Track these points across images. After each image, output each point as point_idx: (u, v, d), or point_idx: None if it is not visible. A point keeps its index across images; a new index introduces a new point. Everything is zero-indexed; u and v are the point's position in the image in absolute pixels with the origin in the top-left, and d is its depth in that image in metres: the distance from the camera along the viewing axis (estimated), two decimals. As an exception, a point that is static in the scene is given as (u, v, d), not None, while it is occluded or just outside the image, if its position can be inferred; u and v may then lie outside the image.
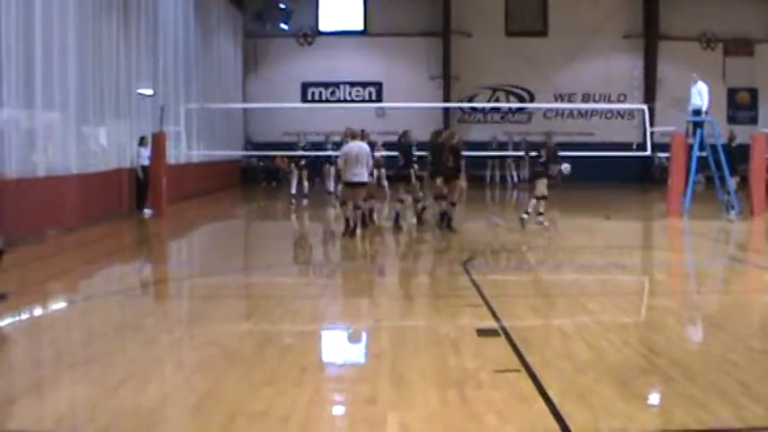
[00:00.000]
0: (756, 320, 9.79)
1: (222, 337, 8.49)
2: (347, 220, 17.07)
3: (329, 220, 21.63)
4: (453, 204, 17.88)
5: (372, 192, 18.82)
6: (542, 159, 18.56)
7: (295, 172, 26.19)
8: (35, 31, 16.02)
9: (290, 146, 27.48)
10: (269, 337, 8.48)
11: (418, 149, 19.13)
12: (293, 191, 25.71)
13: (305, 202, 25.45)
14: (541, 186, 18.47)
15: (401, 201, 18.79)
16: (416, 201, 18.88)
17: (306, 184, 26.03)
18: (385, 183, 25.68)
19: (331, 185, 27.35)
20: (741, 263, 15.03)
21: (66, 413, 6.12)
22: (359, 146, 17.01)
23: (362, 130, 18.27)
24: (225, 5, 34.24)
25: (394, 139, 24.31)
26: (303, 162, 26.12)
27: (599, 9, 37.08)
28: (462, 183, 18.39)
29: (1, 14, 14.78)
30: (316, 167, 30.39)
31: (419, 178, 18.87)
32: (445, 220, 17.95)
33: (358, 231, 17.03)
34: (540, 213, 18.47)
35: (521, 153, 18.99)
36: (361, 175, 16.84)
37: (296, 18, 36.57)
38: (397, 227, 18.26)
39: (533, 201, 18.60)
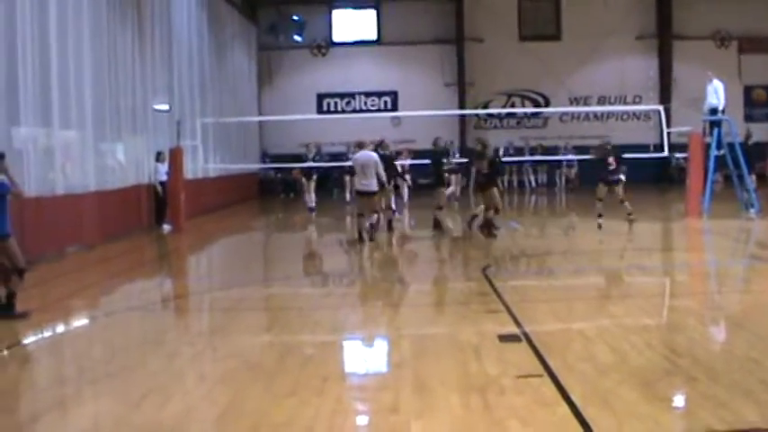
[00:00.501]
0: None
1: (243, 349, 8.50)
2: (359, 233, 17.28)
3: (347, 230, 21.67)
4: (488, 210, 17.99)
5: (387, 200, 18.89)
6: (612, 167, 18.99)
7: (305, 183, 25.91)
8: (51, 50, 16.12)
9: (303, 157, 27.53)
10: (290, 348, 8.48)
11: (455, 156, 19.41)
12: (309, 203, 25.51)
13: (312, 213, 25.19)
14: (620, 191, 19.13)
15: (440, 208, 19.03)
16: (439, 208, 18.94)
17: (313, 195, 25.68)
18: (405, 191, 25.47)
19: (348, 195, 27.60)
20: (762, 261, 14.93)
21: (90, 429, 6.15)
22: (365, 155, 17.16)
23: (381, 140, 18.42)
24: (238, 18, 34.35)
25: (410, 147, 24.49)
26: (314, 174, 25.93)
27: (612, 11, 36.95)
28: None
29: (17, 34, 14.88)
30: (329, 178, 30.57)
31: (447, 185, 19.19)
32: (474, 226, 18.01)
33: (379, 237, 17.27)
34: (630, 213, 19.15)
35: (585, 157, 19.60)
36: (369, 184, 16.97)
37: (309, 29, 36.69)
38: (435, 231, 18.70)
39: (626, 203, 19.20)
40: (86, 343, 9.42)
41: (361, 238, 17.18)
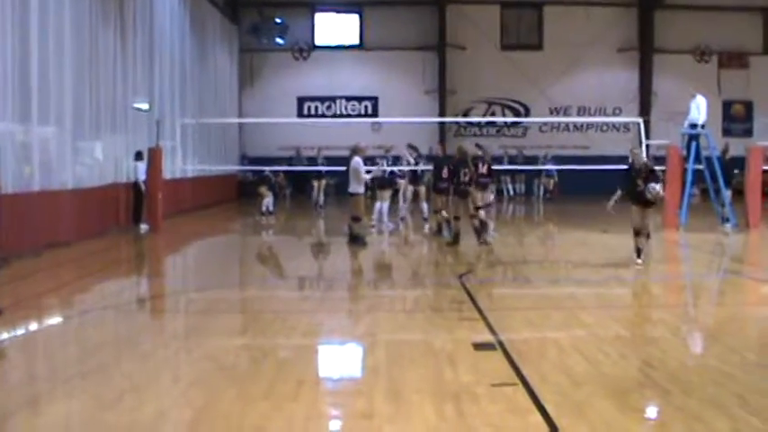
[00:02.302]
0: (752, 333, 9.81)
1: (218, 352, 8.46)
2: (349, 229, 18.30)
3: (322, 234, 21.75)
4: (457, 219, 18.34)
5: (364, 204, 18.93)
6: (639, 188, 14.61)
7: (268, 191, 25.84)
8: (31, 46, 16.04)
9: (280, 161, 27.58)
10: (265, 351, 8.46)
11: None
12: (263, 208, 25.37)
13: (272, 218, 25.13)
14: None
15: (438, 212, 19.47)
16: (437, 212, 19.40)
17: (270, 199, 25.66)
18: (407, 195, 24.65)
19: (318, 198, 27.87)
20: (737, 275, 15.02)
21: (61, 429, 6.10)
22: (354, 160, 17.95)
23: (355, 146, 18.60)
24: (221, 20, 34.29)
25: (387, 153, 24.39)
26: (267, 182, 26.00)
27: (594, 23, 37.18)
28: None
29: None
30: (308, 182, 30.62)
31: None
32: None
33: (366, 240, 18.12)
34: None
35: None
36: (350, 186, 17.94)
37: (291, 32, 36.66)
38: (445, 237, 18.93)
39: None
40: (60, 342, 9.37)
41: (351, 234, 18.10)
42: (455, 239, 18.02)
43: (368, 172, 18.65)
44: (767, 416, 6.18)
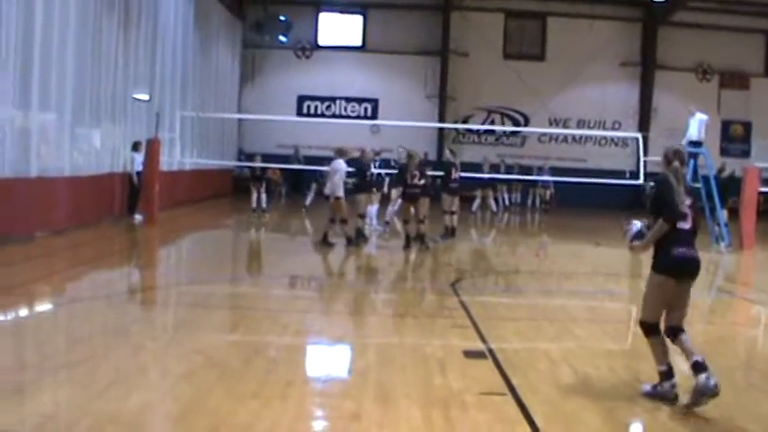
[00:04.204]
0: (742, 353, 9.83)
1: (208, 347, 8.45)
2: (324, 235, 17.82)
3: (314, 234, 21.73)
4: (422, 222, 18.40)
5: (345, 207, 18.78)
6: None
7: (253, 187, 25.91)
8: (34, 32, 15.99)
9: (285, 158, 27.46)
10: (255, 349, 8.44)
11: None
12: (253, 204, 25.45)
13: (266, 216, 25.18)
14: None
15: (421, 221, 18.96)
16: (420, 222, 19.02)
17: (263, 196, 25.75)
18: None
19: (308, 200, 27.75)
20: (729, 295, 15.05)
21: (48, 417, 6.08)
22: (335, 162, 17.80)
23: (362, 149, 18.76)
24: (225, 14, 34.26)
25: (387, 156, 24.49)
26: (262, 179, 26.04)
27: (597, 36, 37.18)
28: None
29: (1, 15, 14.76)
30: (303, 180, 30.49)
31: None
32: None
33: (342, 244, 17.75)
34: None
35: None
36: (329, 188, 17.80)
37: (295, 31, 36.61)
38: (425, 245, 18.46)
39: None
40: (49, 330, 9.35)
41: (325, 240, 17.58)
42: (407, 243, 18.06)
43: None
44: (754, 437, 6.20)
